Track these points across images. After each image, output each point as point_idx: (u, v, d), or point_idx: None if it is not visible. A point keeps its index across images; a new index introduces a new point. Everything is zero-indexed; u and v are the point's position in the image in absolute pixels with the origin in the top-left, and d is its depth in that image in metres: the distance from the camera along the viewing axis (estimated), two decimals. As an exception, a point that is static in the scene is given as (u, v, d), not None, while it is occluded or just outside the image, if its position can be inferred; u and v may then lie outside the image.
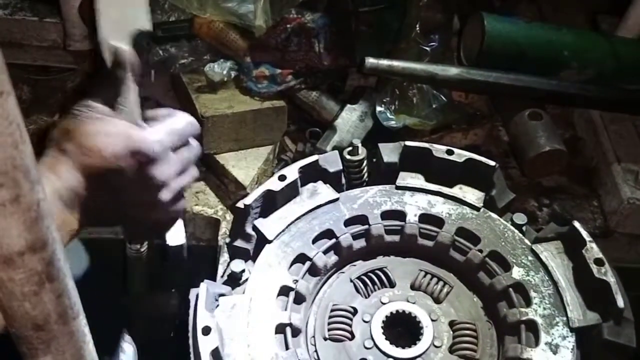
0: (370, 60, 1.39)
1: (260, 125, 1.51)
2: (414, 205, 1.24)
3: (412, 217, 1.22)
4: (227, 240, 1.22)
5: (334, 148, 1.50)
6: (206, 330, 0.99)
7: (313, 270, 1.16)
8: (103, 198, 0.89)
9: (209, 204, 1.52)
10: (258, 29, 1.48)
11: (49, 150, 0.87)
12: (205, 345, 0.98)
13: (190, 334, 1.03)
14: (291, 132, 1.64)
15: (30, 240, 0.42)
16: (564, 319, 1.06)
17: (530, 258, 1.15)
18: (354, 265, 1.23)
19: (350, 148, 1.29)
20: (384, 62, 1.40)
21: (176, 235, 1.11)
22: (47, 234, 0.43)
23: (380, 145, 1.29)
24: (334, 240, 1.19)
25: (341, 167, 1.27)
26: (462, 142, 1.62)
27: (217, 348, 0.98)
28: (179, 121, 0.94)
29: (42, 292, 0.46)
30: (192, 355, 1.02)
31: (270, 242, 1.16)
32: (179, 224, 1.13)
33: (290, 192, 1.22)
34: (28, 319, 0.47)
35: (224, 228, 1.48)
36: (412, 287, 1.19)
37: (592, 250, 1.09)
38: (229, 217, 1.49)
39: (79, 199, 0.87)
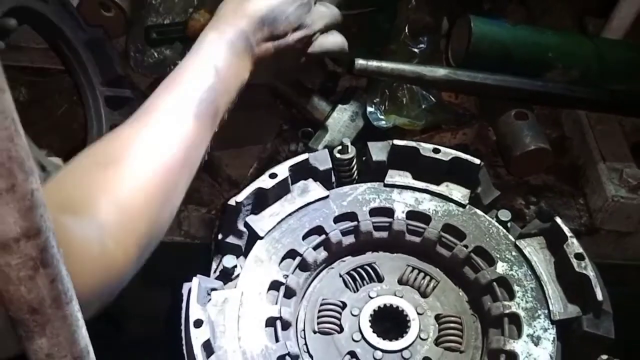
0: (360, 62, 1.42)
1: (253, 125, 1.54)
2: (401, 203, 1.27)
3: (399, 213, 1.25)
4: (220, 236, 1.25)
5: (325, 147, 1.53)
6: (198, 323, 1.02)
7: (303, 266, 1.20)
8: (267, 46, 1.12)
9: (203, 202, 1.55)
10: None
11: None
12: (197, 337, 1.01)
13: (182, 327, 1.06)
14: (284, 132, 1.67)
15: (25, 228, 0.45)
16: (546, 311, 1.10)
17: (514, 253, 1.18)
18: (343, 260, 1.26)
19: (340, 147, 1.33)
20: (373, 63, 1.43)
21: None
22: (40, 222, 0.46)
23: (369, 143, 1.33)
24: (323, 236, 1.22)
25: (331, 166, 1.30)
26: (451, 142, 1.66)
27: (208, 340, 1.01)
28: None
29: (37, 276, 0.49)
30: (184, 348, 1.05)
31: (261, 238, 1.20)
32: None
33: (281, 190, 1.25)
34: (24, 303, 0.50)
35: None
36: (400, 282, 1.22)
37: (573, 245, 1.12)
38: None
39: (251, 47, 1.08)
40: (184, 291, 1.10)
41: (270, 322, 1.09)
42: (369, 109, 1.57)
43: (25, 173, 0.43)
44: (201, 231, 1.57)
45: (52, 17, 1.31)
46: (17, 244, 0.46)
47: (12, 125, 0.40)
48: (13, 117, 0.40)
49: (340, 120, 1.59)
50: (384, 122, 1.56)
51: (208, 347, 1.02)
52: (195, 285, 1.07)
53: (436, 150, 1.27)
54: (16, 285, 0.49)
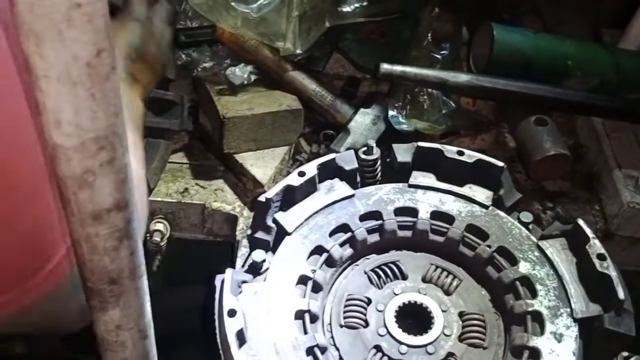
0: (385, 66, 1.46)
1: (278, 126, 1.58)
2: (425, 203, 1.30)
3: (423, 213, 1.29)
4: (249, 232, 1.28)
5: (347, 149, 1.57)
6: (232, 313, 1.05)
7: (330, 262, 1.23)
8: None
9: (227, 201, 1.58)
10: (286, 50, 1.56)
11: None
12: (231, 326, 1.04)
13: (216, 317, 1.10)
14: (306, 133, 1.70)
15: (117, 199, 0.49)
16: (568, 310, 1.13)
17: (536, 253, 1.22)
18: (368, 258, 1.29)
19: (365, 148, 1.36)
20: (398, 68, 1.47)
21: None
22: (129, 195, 0.50)
23: (394, 145, 1.37)
24: (349, 234, 1.26)
25: (357, 166, 1.33)
26: (469, 147, 1.68)
27: (241, 329, 1.04)
28: None
29: (120, 247, 0.52)
30: (217, 337, 1.08)
31: (289, 234, 1.23)
32: None
33: (309, 188, 1.29)
34: (105, 273, 0.54)
35: (242, 224, 1.54)
36: (424, 280, 1.25)
37: (595, 246, 1.16)
38: (247, 213, 1.55)
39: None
40: (217, 282, 1.13)
41: (299, 315, 1.13)
42: (391, 112, 1.60)
43: (123, 148, 0.46)
44: (224, 229, 1.60)
45: None
46: (108, 215, 0.49)
47: (118, 102, 0.44)
48: (119, 94, 0.44)
49: (363, 123, 1.62)
50: (405, 126, 1.59)
51: (241, 336, 1.05)
52: (228, 276, 1.11)
53: (460, 153, 1.31)
54: (101, 255, 0.52)
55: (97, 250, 0.52)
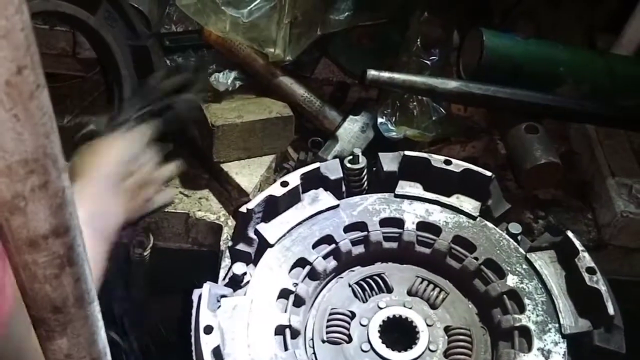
0: (372, 73, 1.43)
1: (268, 134, 1.54)
2: (412, 213, 1.27)
3: (410, 224, 1.25)
4: (230, 243, 1.25)
5: (335, 157, 1.54)
6: (208, 329, 1.02)
7: (313, 275, 1.19)
8: None
9: (212, 210, 1.55)
10: (276, 56, 1.52)
11: None
12: (207, 343, 1.00)
13: (192, 333, 1.06)
14: (294, 140, 1.67)
15: (55, 225, 0.45)
16: (557, 325, 1.09)
17: (524, 266, 1.18)
18: (353, 270, 1.26)
19: (350, 157, 1.33)
20: (385, 74, 1.44)
21: None
22: (69, 220, 0.47)
23: (380, 154, 1.33)
24: (333, 245, 1.22)
25: (342, 175, 1.30)
26: (460, 155, 1.66)
27: (218, 347, 1.01)
28: None
29: (63, 275, 0.49)
30: (194, 354, 1.04)
31: (271, 246, 1.20)
32: None
33: (292, 198, 1.25)
34: (48, 302, 0.50)
35: (226, 233, 1.51)
36: (409, 293, 1.22)
37: (585, 259, 1.12)
38: (231, 222, 1.52)
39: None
40: (194, 297, 1.09)
41: (280, 330, 1.09)
42: (380, 119, 1.57)
43: (58, 170, 0.43)
44: (209, 238, 1.57)
45: (94, 23, 1.32)
46: (45, 242, 0.46)
47: (49, 122, 0.41)
48: (50, 114, 0.41)
49: (351, 131, 1.59)
50: (394, 133, 1.56)
51: (217, 354, 1.01)
52: (205, 291, 1.07)
53: (447, 162, 1.28)
54: (41, 283, 0.49)
55: (37, 279, 0.48)
